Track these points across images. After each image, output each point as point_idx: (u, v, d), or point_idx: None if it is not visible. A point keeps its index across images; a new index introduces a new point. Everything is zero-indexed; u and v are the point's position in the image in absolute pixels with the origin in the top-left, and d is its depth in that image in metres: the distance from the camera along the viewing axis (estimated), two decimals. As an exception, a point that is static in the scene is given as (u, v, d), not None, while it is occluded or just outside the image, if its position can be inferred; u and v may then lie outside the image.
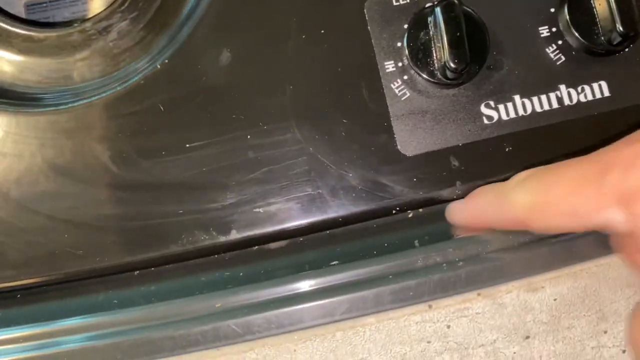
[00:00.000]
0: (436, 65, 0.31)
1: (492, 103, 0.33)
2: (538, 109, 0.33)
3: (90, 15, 0.43)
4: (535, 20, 0.33)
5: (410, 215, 0.33)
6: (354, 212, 0.32)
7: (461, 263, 0.27)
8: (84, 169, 0.32)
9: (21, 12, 0.43)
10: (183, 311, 0.28)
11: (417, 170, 0.32)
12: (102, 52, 0.35)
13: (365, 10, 0.33)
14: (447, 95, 0.33)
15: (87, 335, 0.28)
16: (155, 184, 0.32)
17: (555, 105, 0.33)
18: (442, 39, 0.30)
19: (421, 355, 0.26)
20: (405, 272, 0.27)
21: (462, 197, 0.32)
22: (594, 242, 0.28)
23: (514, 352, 0.27)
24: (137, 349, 0.26)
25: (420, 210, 0.33)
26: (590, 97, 0.33)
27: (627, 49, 0.33)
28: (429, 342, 0.27)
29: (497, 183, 0.30)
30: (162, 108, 0.33)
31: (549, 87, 0.33)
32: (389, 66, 0.33)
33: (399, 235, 0.32)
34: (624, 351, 0.27)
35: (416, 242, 0.31)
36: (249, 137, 0.32)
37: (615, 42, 0.31)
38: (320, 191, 0.32)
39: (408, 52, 0.32)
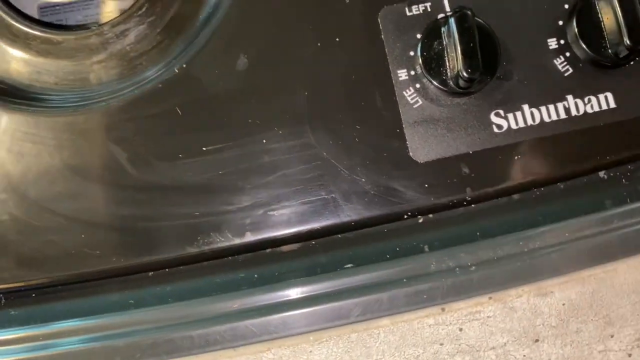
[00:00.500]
0: (449, 74, 0.32)
1: (501, 112, 0.34)
2: (546, 119, 0.34)
3: (102, 19, 0.44)
4: (544, 32, 0.34)
5: (420, 221, 0.33)
6: (366, 216, 0.33)
7: (473, 267, 0.28)
8: (101, 170, 0.33)
9: (34, 14, 0.43)
10: (201, 311, 0.28)
11: (428, 177, 0.33)
12: (119, 56, 0.35)
13: (379, 20, 0.34)
14: (458, 103, 0.34)
15: (107, 333, 0.28)
16: (172, 186, 0.33)
17: (562, 115, 0.34)
18: (455, 48, 0.31)
19: (434, 357, 0.27)
20: (419, 275, 0.28)
21: (473, 204, 0.33)
22: (601, 248, 0.29)
23: (524, 355, 0.27)
24: (157, 348, 0.27)
25: (431, 215, 0.33)
26: (596, 108, 0.34)
27: (632, 62, 0.34)
28: (441, 344, 0.27)
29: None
30: (179, 111, 0.33)
31: (557, 97, 0.34)
32: (402, 74, 0.34)
33: (409, 239, 0.33)
34: (629, 355, 0.27)
35: (426, 247, 0.32)
36: (264, 141, 0.33)
37: (622, 55, 0.32)
38: (333, 195, 0.33)
39: (421, 61, 0.33)
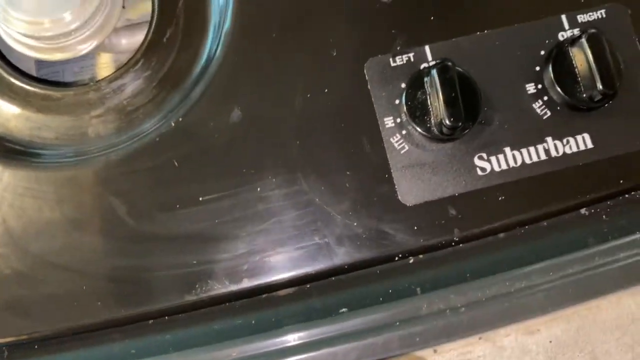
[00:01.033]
0: (433, 122, 0.34)
1: (484, 155, 0.35)
2: (527, 161, 0.35)
3: (98, 70, 0.46)
4: (522, 78, 0.36)
5: (411, 262, 0.35)
6: (359, 259, 0.34)
7: (463, 309, 0.29)
8: (100, 223, 0.34)
9: (31, 67, 0.45)
10: (202, 360, 0.29)
11: (417, 219, 0.34)
12: (116, 110, 0.36)
13: (365, 71, 0.36)
14: (443, 148, 0.35)
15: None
16: (170, 236, 0.34)
17: (543, 156, 0.35)
18: (438, 98, 0.33)
19: (428, 398, 0.28)
20: (412, 318, 0.29)
21: (461, 244, 0.34)
22: (584, 286, 0.31)
23: (515, 393, 0.28)
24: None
25: (421, 256, 0.35)
26: (575, 149, 0.35)
27: (607, 104, 0.35)
28: (435, 385, 0.28)
29: None
30: (176, 163, 0.34)
31: (537, 139, 0.36)
32: (389, 122, 0.35)
33: (401, 281, 0.34)
34: (615, 389, 0.28)
35: (418, 290, 0.33)
36: (258, 189, 0.34)
37: (596, 99, 0.34)
38: (326, 240, 0.34)
39: (406, 109, 0.35)
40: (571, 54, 0.34)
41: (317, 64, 0.36)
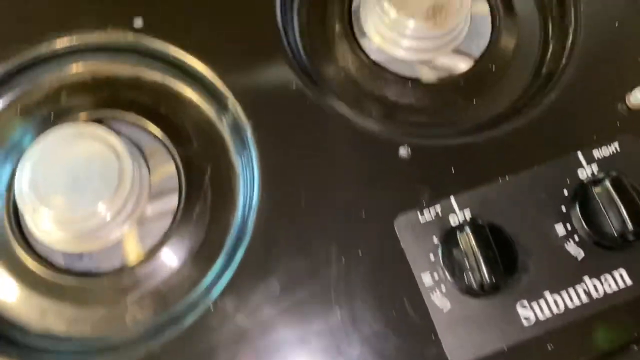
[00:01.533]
0: (472, 279, 0.34)
1: (526, 302, 0.35)
2: (570, 305, 0.35)
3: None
4: (550, 220, 0.36)
5: None
6: None
7: None
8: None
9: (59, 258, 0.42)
10: None
11: (469, 379, 0.34)
12: (153, 293, 0.36)
13: (395, 228, 0.36)
14: (485, 302, 0.35)
15: None
16: None
17: (584, 297, 0.35)
18: (476, 258, 0.33)
19: None
20: None
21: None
22: None
23: None
24: None
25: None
26: (614, 287, 0.35)
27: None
28: None
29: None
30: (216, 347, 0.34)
31: (575, 280, 0.36)
32: (427, 279, 0.35)
33: None
34: None
35: None
36: (305, 358, 0.34)
37: (630, 239, 0.34)
38: (379, 411, 0.33)
39: (444, 266, 0.35)
40: (597, 197, 0.35)
41: (348, 228, 0.36)
